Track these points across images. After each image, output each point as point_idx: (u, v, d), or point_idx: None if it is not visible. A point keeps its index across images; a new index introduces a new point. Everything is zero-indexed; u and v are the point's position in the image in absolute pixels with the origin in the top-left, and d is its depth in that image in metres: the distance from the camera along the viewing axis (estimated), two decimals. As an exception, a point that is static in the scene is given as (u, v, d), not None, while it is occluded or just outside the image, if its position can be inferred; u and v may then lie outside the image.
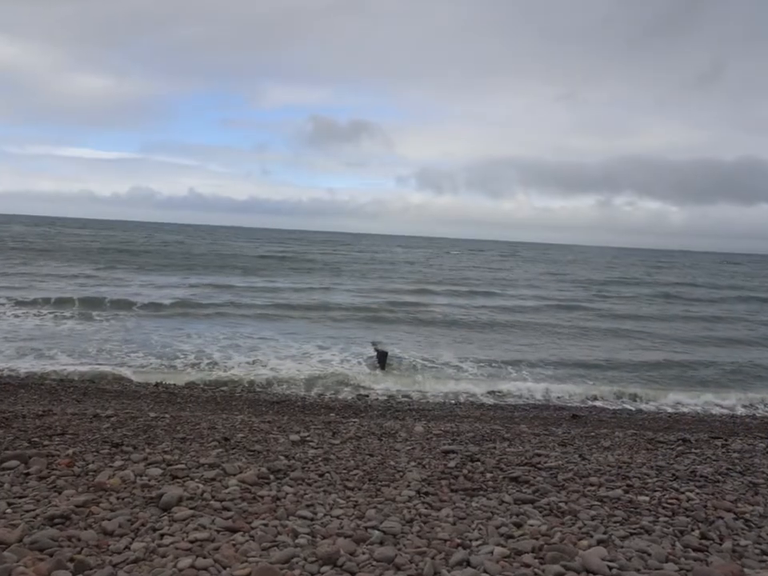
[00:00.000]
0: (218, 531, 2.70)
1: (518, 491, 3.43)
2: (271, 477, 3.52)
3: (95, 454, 3.81)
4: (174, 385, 9.38)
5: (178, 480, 3.35)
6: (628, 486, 3.62)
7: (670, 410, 10.25)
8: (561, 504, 3.22)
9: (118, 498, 3.06)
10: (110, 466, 3.53)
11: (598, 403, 10.35)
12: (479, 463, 4.00)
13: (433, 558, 2.52)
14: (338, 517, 2.96)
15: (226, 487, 3.26)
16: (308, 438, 4.61)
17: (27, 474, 3.31)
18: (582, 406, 10.08)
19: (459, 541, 2.70)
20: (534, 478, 3.68)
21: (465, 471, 3.78)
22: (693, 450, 4.93)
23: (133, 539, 2.60)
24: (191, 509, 2.94)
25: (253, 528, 2.75)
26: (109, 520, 2.75)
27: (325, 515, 2.98)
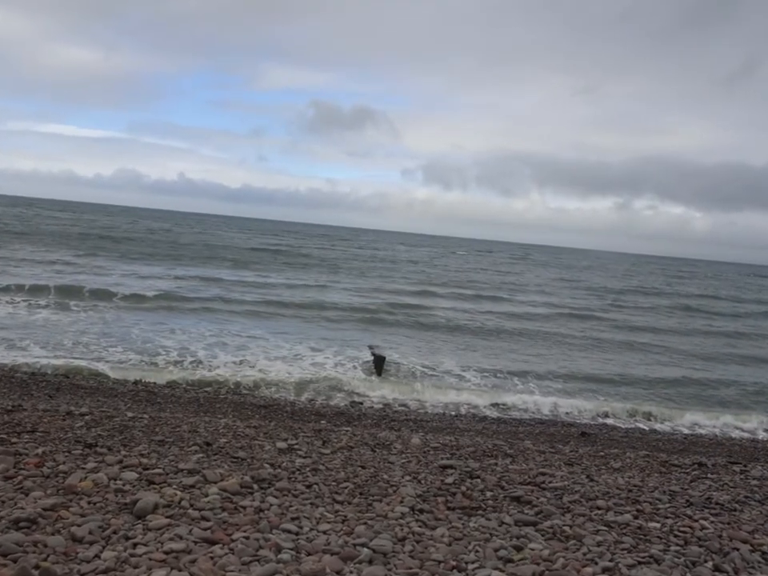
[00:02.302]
0: (196, 542, 2.70)
1: (519, 512, 3.43)
2: (255, 486, 3.52)
3: (67, 454, 3.82)
4: (155, 383, 9.38)
5: (155, 486, 3.35)
6: (638, 510, 3.62)
7: (686, 431, 10.25)
8: (565, 528, 3.22)
9: (89, 503, 3.06)
10: (82, 468, 3.53)
11: (609, 421, 10.36)
12: (479, 480, 4.00)
13: (425, 581, 2.52)
14: (324, 532, 2.96)
15: (206, 495, 3.26)
16: (296, 446, 4.62)
17: (-7, 473, 3.31)
18: (592, 423, 10.09)
19: (454, 563, 2.70)
20: (538, 498, 3.68)
21: (463, 488, 3.78)
22: (709, 475, 4.94)
23: (103, 547, 2.60)
24: (167, 517, 2.94)
25: (233, 540, 2.75)
26: (78, 526, 2.75)
27: (311, 530, 2.98)
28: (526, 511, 3.44)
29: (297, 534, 2.91)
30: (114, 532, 2.75)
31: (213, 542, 2.73)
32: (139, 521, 2.89)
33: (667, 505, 3.79)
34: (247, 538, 2.78)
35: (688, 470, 5.20)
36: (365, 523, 3.11)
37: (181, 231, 61.38)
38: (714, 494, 4.18)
